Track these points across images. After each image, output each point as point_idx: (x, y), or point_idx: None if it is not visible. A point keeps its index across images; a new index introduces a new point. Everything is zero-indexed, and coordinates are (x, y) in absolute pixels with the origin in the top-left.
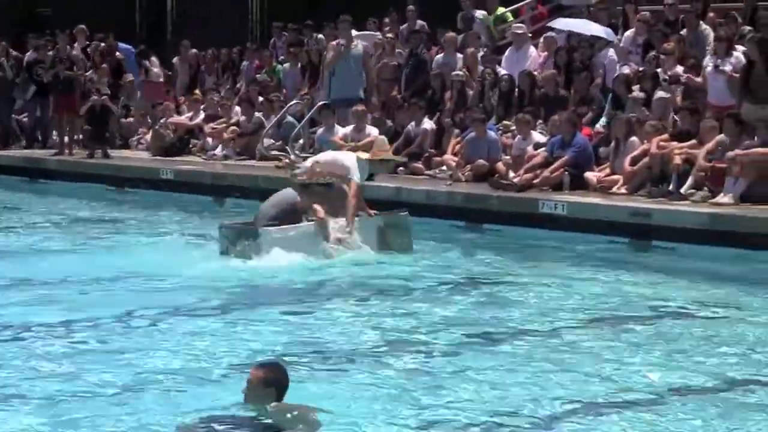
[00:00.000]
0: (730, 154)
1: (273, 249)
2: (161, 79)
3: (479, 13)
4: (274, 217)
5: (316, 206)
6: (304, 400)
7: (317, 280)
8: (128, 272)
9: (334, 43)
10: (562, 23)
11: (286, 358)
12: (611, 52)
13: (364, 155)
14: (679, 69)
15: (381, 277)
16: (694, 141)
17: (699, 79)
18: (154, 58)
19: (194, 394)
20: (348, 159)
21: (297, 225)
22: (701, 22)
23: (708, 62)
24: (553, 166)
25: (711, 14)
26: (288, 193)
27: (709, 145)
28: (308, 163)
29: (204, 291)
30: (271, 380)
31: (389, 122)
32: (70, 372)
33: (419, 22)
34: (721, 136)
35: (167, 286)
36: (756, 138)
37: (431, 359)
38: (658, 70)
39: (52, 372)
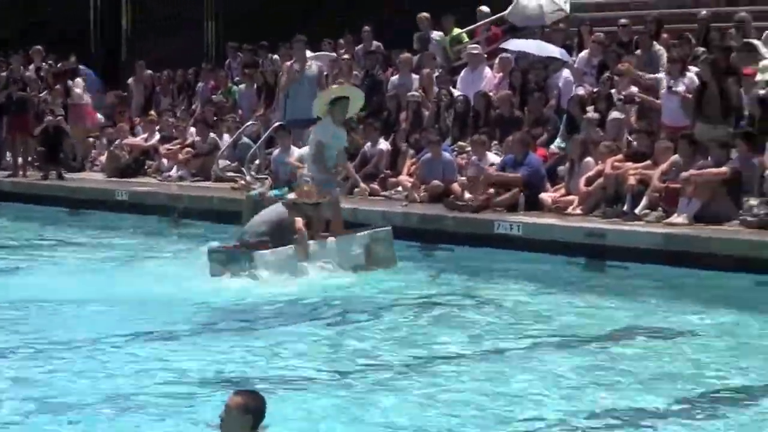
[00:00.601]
0: (684, 174)
1: (268, 271)
2: (84, 101)
3: (435, 34)
4: (264, 233)
5: (297, 219)
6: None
7: (305, 302)
8: (113, 296)
9: (288, 64)
10: (515, 44)
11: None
12: (567, 73)
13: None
14: (634, 89)
15: (344, 298)
16: (648, 162)
17: (654, 99)
18: (79, 80)
19: (168, 416)
20: None
21: (291, 247)
22: (654, 42)
23: (662, 82)
24: (500, 180)
25: (665, 35)
26: (278, 210)
27: (663, 166)
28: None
29: (195, 312)
30: (250, 408)
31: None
32: (44, 394)
33: (375, 43)
34: (675, 157)
35: (160, 309)
36: (709, 158)
37: (377, 379)
38: (613, 90)
39: (24, 396)
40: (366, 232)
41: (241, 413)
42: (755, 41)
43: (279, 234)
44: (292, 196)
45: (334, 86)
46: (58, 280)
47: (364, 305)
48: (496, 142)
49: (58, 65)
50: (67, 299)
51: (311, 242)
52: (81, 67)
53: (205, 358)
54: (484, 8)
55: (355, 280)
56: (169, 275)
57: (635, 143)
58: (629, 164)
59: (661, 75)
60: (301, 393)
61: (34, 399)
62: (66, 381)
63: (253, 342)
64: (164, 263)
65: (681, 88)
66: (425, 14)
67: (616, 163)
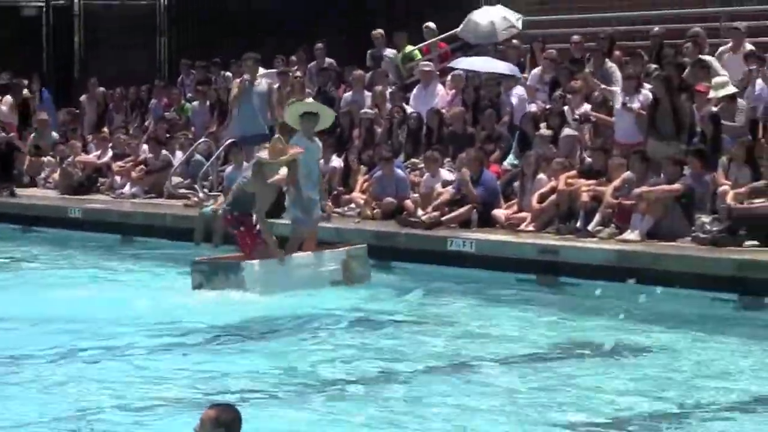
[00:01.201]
0: (637, 191)
1: (256, 282)
2: (9, 120)
3: (389, 52)
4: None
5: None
6: None
7: (290, 315)
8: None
9: (238, 80)
10: (463, 62)
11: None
12: (520, 90)
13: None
14: (587, 107)
15: (309, 315)
16: (602, 178)
17: (609, 118)
18: (7, 97)
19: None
20: None
21: (276, 259)
22: (607, 59)
23: (616, 99)
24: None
25: (617, 52)
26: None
27: (616, 183)
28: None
29: (169, 328)
30: (222, 420)
31: None
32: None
33: (328, 60)
34: (627, 174)
35: (131, 324)
36: (662, 175)
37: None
38: (566, 108)
39: None
40: (342, 249)
41: (213, 426)
42: (708, 57)
43: (243, 203)
44: (262, 154)
45: (308, 100)
46: (21, 296)
47: (326, 321)
48: (449, 159)
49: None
50: (28, 316)
51: (287, 257)
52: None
53: (182, 374)
54: (431, 25)
55: (326, 296)
56: (137, 289)
57: (590, 160)
58: (582, 181)
59: (617, 89)
60: (269, 407)
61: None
62: (35, 395)
63: (229, 357)
64: (126, 278)
65: (636, 105)
66: (380, 31)
67: (569, 180)
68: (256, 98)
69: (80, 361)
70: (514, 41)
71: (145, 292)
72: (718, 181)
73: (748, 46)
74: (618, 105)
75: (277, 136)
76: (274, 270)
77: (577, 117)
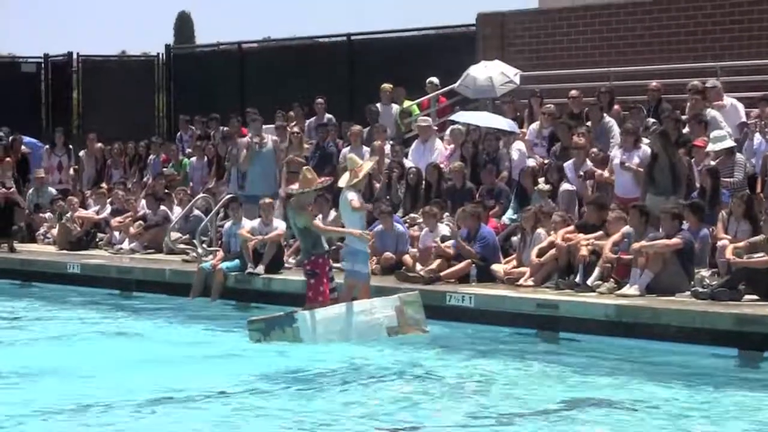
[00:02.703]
0: (636, 245)
1: (310, 331)
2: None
3: (393, 107)
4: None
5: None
6: None
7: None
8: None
9: (245, 140)
10: (463, 116)
11: None
12: (520, 144)
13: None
14: (590, 164)
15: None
16: (600, 232)
17: (608, 174)
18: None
19: None
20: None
21: (334, 306)
22: (605, 114)
23: (615, 155)
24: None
25: (616, 107)
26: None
27: (615, 237)
28: None
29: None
30: None
31: None
32: None
33: (327, 115)
34: (626, 228)
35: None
36: (661, 230)
37: None
38: (567, 164)
39: None
40: (395, 295)
41: None
42: (712, 111)
43: (307, 246)
44: (293, 187)
45: (369, 161)
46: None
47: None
48: (447, 213)
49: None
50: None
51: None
52: (28, 138)
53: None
54: (434, 79)
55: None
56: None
57: (587, 217)
58: (581, 235)
59: (614, 149)
60: None
61: None
62: None
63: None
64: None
65: (636, 160)
66: (388, 85)
67: (567, 235)
68: (265, 158)
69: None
70: (511, 96)
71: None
72: (717, 235)
73: (730, 101)
74: (616, 161)
75: (306, 167)
76: (328, 319)
77: (582, 174)
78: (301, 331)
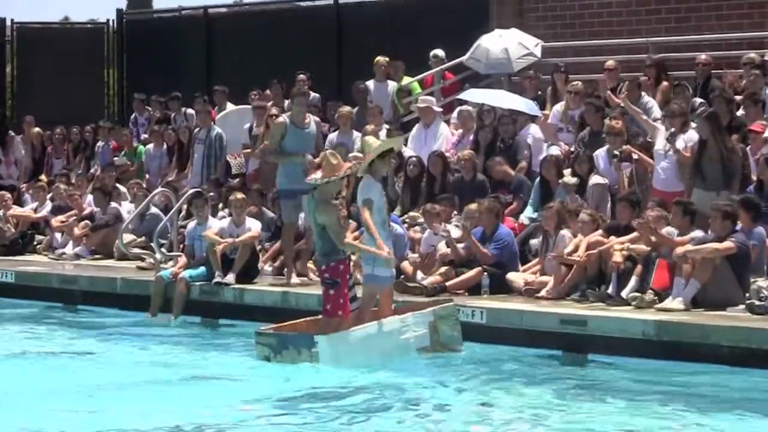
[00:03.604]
0: (680, 250)
1: (331, 356)
2: None
3: (390, 83)
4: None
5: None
6: None
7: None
8: None
9: (281, 120)
10: (474, 95)
11: None
12: (534, 129)
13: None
14: (628, 146)
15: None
16: (636, 234)
17: (651, 160)
18: None
19: None
20: None
21: (355, 328)
22: (643, 93)
23: (657, 141)
24: (473, 244)
25: (665, 83)
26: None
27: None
28: None
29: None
30: None
31: (270, 213)
32: None
33: (313, 94)
34: (668, 229)
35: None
36: (710, 231)
37: None
38: (598, 152)
39: None
40: (429, 309)
41: None
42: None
43: (327, 248)
44: (316, 176)
45: (384, 139)
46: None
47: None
48: (455, 212)
49: None
50: None
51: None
52: None
53: None
54: (439, 52)
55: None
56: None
57: (618, 216)
58: (613, 238)
59: (657, 135)
60: None
61: None
62: None
63: None
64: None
65: (681, 145)
66: (384, 58)
67: (595, 238)
68: (307, 143)
69: None
70: (532, 72)
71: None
72: None
73: None
74: (659, 146)
75: (330, 151)
76: (353, 345)
77: (617, 153)
78: (321, 356)
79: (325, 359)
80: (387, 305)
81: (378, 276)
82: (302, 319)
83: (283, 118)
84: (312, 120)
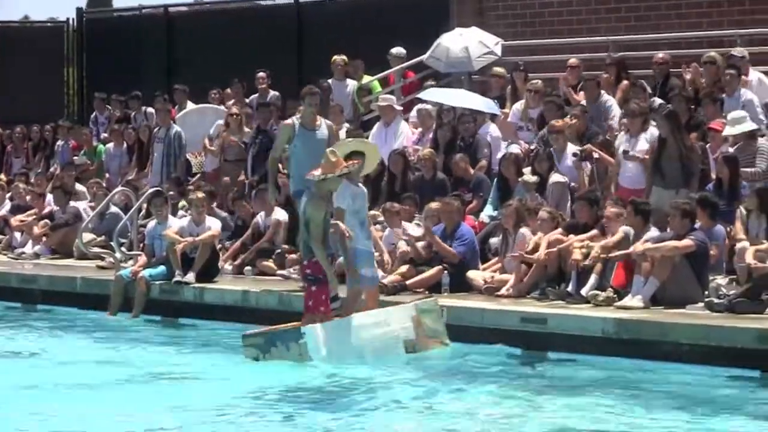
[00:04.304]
0: (639, 248)
1: (319, 347)
2: None
3: (349, 82)
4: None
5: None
6: None
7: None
8: None
9: (290, 122)
10: (433, 95)
11: None
12: (492, 128)
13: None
14: (574, 149)
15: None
16: (595, 231)
17: (611, 159)
18: None
19: None
20: None
21: (342, 320)
22: (603, 92)
23: (619, 142)
24: (437, 244)
25: (625, 82)
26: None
27: (615, 237)
28: None
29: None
30: None
31: (222, 213)
32: None
33: (273, 93)
34: (625, 228)
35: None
36: (669, 229)
37: None
38: (553, 148)
39: None
40: (410, 303)
41: None
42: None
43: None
44: (316, 173)
45: (349, 140)
46: None
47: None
48: (417, 213)
49: None
50: None
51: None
52: None
53: None
54: (398, 50)
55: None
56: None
57: (577, 214)
58: (573, 236)
59: (619, 135)
60: None
61: None
62: None
63: None
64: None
65: (643, 146)
66: (342, 57)
67: (554, 237)
68: (318, 145)
69: None
70: (497, 69)
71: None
72: (735, 235)
73: (756, 75)
74: (619, 151)
75: (330, 149)
76: (342, 334)
77: (577, 152)
78: (309, 348)
79: (314, 350)
80: (373, 307)
81: (362, 276)
82: (285, 324)
83: (291, 120)
84: (323, 122)
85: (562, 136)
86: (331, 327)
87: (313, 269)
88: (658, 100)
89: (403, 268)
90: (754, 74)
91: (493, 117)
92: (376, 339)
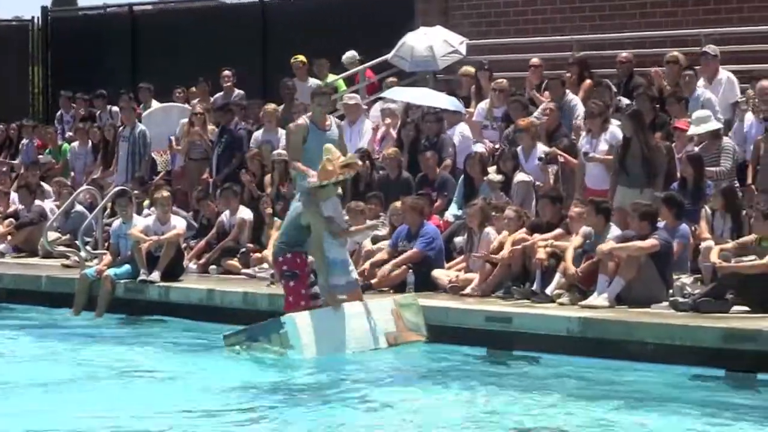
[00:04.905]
0: (605, 247)
1: (299, 336)
2: None
3: (312, 82)
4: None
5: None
6: None
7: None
8: None
9: (302, 122)
10: (397, 93)
11: None
12: (463, 127)
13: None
14: (543, 148)
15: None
16: (560, 230)
17: (575, 160)
18: None
19: None
20: None
21: (323, 309)
22: (568, 91)
23: (581, 143)
24: (396, 261)
25: (588, 81)
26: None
27: (576, 241)
28: None
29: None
30: None
31: (183, 212)
32: None
33: (238, 91)
34: (586, 228)
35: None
36: (633, 228)
37: None
38: (519, 148)
39: None
40: (389, 298)
41: None
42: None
43: (296, 240)
44: (313, 180)
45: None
46: None
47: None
48: (382, 212)
49: None
50: None
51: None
52: None
53: None
54: (351, 54)
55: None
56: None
57: (540, 212)
58: (537, 235)
59: (581, 136)
60: None
61: None
62: None
63: None
64: None
65: (604, 147)
66: (302, 58)
67: (519, 236)
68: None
69: None
70: (467, 68)
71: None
72: (700, 235)
73: (726, 74)
74: (584, 148)
75: (327, 156)
76: (322, 322)
77: (542, 156)
78: (290, 336)
79: (295, 340)
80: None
81: (333, 285)
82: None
83: (303, 120)
84: (333, 122)
85: (528, 134)
86: (312, 316)
87: (290, 265)
88: (624, 100)
89: (368, 268)
90: (723, 73)
91: (460, 115)
92: (357, 329)
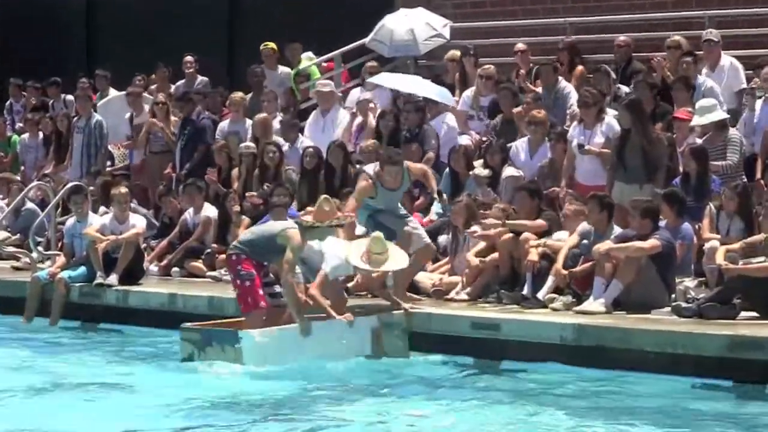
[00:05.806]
0: (602, 248)
1: (256, 354)
2: None
3: (281, 70)
4: (244, 244)
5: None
6: None
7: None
8: None
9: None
10: (387, 79)
11: None
12: (449, 118)
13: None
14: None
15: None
16: (540, 221)
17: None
18: None
19: None
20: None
21: (283, 327)
22: (561, 78)
23: (572, 135)
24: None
25: (580, 67)
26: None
27: (571, 240)
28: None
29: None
30: None
31: (143, 209)
32: None
33: (202, 78)
34: (583, 226)
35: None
36: (633, 227)
37: None
38: (518, 143)
39: None
40: (374, 315)
41: None
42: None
43: (262, 252)
44: (307, 218)
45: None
46: None
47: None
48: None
49: None
50: None
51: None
52: None
53: None
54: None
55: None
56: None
57: (516, 206)
58: (529, 235)
59: (572, 126)
60: None
61: None
62: None
63: None
64: None
65: (599, 140)
66: (272, 45)
67: (507, 236)
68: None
69: None
70: (453, 52)
71: None
72: (704, 234)
73: (728, 60)
74: (575, 142)
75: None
76: (281, 343)
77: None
78: (245, 353)
79: (249, 358)
80: (334, 302)
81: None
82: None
83: (369, 182)
84: (407, 177)
85: (543, 128)
86: (272, 335)
87: (246, 266)
88: (623, 88)
89: None
90: (726, 59)
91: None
92: (319, 352)
